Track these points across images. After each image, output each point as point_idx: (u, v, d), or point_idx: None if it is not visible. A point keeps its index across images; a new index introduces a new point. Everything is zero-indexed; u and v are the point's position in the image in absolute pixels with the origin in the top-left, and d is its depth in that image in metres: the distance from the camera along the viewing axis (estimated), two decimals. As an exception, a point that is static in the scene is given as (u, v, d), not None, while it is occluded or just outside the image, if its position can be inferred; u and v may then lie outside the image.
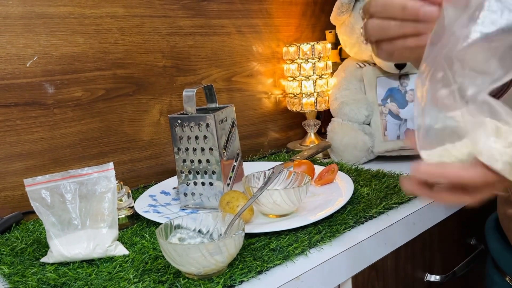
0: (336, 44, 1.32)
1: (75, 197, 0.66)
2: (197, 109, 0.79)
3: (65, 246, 0.64)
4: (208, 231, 0.63)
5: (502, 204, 0.72)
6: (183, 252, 0.54)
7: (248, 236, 0.67)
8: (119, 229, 0.75)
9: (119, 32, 0.96)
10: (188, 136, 0.78)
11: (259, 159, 1.14)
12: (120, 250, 0.66)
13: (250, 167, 0.94)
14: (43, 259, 0.65)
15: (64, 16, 0.88)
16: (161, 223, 0.61)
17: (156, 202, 0.83)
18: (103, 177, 0.67)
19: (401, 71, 1.09)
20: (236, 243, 0.56)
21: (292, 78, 1.23)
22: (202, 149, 0.78)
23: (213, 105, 0.86)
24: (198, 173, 0.79)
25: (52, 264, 0.64)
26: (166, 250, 0.55)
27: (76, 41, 0.90)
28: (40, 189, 0.65)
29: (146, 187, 0.95)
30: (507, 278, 0.71)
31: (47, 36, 0.87)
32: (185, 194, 0.80)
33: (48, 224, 0.65)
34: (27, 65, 0.85)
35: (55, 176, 0.66)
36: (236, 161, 0.84)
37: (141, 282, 0.57)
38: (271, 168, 0.87)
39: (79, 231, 0.66)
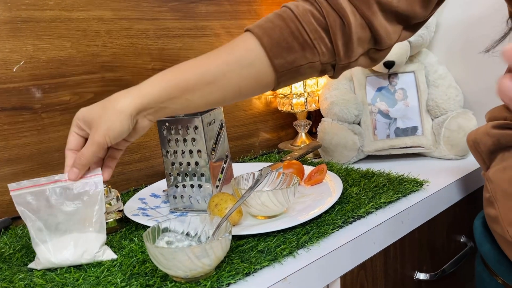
0: (325, 44, 1.32)
1: (61, 201, 0.65)
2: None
3: (52, 252, 0.63)
4: (196, 234, 0.63)
5: (485, 205, 0.72)
6: (170, 255, 0.54)
7: (237, 238, 0.67)
8: (108, 233, 0.75)
9: (107, 35, 0.96)
10: (176, 138, 0.78)
11: (250, 160, 1.14)
12: (108, 254, 0.66)
13: (241, 168, 0.94)
14: (30, 265, 0.65)
15: (50, 20, 0.88)
16: (150, 227, 0.61)
17: (146, 205, 0.83)
18: (91, 182, 0.67)
19: (390, 70, 1.09)
20: (223, 246, 0.56)
21: (282, 79, 1.23)
22: (191, 152, 0.78)
23: (202, 107, 0.86)
24: (187, 175, 0.79)
25: (40, 269, 0.64)
26: (153, 254, 0.56)
27: (63, 45, 0.90)
28: (25, 194, 0.64)
29: (136, 190, 0.95)
30: (496, 278, 0.72)
31: (34, 41, 0.86)
32: (175, 197, 0.80)
33: (34, 230, 0.64)
34: (14, 70, 0.85)
35: (41, 181, 0.65)
36: (225, 163, 0.84)
37: (128, 286, 0.56)
38: (261, 169, 0.87)
39: (66, 236, 0.65)
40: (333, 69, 0.69)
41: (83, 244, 0.64)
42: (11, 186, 0.64)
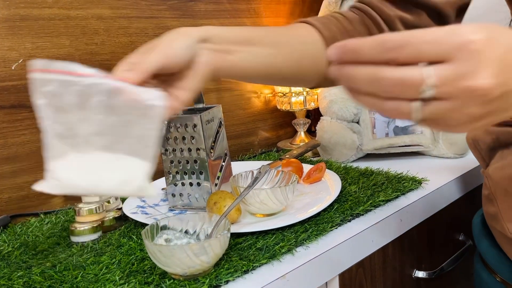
0: (324, 42, 1.33)
1: (102, 106, 0.44)
2: (184, 110, 0.79)
3: (75, 171, 0.45)
4: (195, 232, 0.63)
5: (484, 202, 0.72)
6: (169, 253, 0.54)
7: (235, 235, 0.67)
8: (106, 231, 0.75)
9: (106, 33, 0.96)
10: (175, 136, 0.78)
11: (249, 159, 1.14)
12: (151, 190, 0.48)
13: (240, 167, 0.94)
14: (37, 186, 0.46)
15: (49, 18, 0.88)
16: (148, 224, 0.61)
17: (145, 203, 0.83)
18: (150, 94, 0.45)
19: (388, 69, 1.09)
20: (221, 244, 0.57)
21: (281, 77, 1.23)
22: (190, 150, 0.78)
23: (200, 106, 0.86)
24: (185, 173, 0.79)
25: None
26: (151, 251, 0.56)
27: (61, 43, 0.90)
28: (53, 81, 0.43)
29: (135, 188, 0.95)
30: (495, 275, 0.72)
31: (32, 39, 0.86)
32: (173, 195, 0.80)
33: (51, 135, 0.44)
34: (13, 68, 0.85)
35: (79, 70, 0.43)
36: (224, 161, 0.84)
37: (127, 283, 0.57)
38: (260, 167, 0.87)
39: (99, 154, 0.45)
40: None
41: (123, 169, 0.46)
42: (35, 64, 0.43)
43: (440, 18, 0.67)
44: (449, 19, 0.67)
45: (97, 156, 0.45)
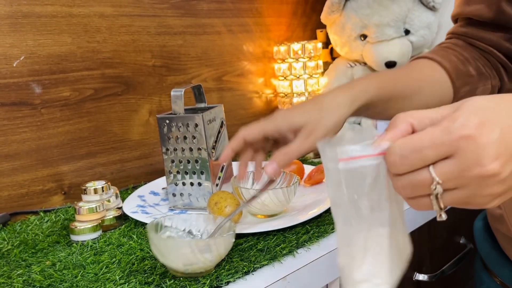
0: (327, 43, 1.32)
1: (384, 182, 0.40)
2: (185, 109, 0.79)
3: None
4: (199, 231, 0.63)
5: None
6: (174, 246, 0.54)
7: (236, 236, 0.66)
8: (106, 230, 0.75)
9: (108, 31, 0.96)
10: (177, 136, 0.78)
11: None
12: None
13: (240, 167, 0.94)
14: None
15: (51, 15, 0.88)
16: (151, 221, 0.61)
17: (145, 203, 0.83)
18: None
19: (391, 71, 1.09)
20: (226, 244, 0.56)
21: (283, 78, 1.23)
22: (191, 149, 0.78)
23: (202, 105, 0.86)
24: (186, 173, 0.79)
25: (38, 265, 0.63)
26: (156, 244, 0.55)
27: (63, 41, 0.90)
28: (357, 167, 0.39)
29: (135, 187, 0.95)
30: (496, 279, 0.71)
31: (34, 36, 0.86)
32: (174, 195, 0.80)
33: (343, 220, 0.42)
34: (14, 65, 0.84)
35: (373, 149, 0.39)
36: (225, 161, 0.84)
37: (127, 283, 0.56)
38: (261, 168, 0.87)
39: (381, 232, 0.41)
40: (497, 92, 0.73)
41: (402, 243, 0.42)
42: (341, 153, 0.39)
43: None
44: None
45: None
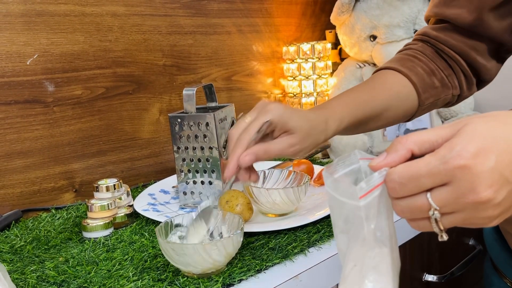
0: (336, 44, 1.33)
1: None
2: (197, 108, 0.79)
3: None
4: (208, 230, 0.63)
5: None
6: (181, 251, 0.54)
7: (247, 235, 0.67)
8: (118, 228, 0.75)
9: (120, 30, 0.96)
10: (188, 135, 0.78)
11: (258, 158, 1.14)
12: None
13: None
14: None
15: (64, 14, 0.88)
16: (160, 222, 0.61)
17: (156, 201, 0.84)
18: None
19: (400, 72, 1.09)
20: (234, 243, 0.57)
21: (292, 78, 1.23)
22: (202, 148, 0.78)
23: (213, 104, 0.86)
24: (197, 172, 0.79)
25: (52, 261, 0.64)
26: (164, 249, 0.56)
27: (76, 39, 0.90)
28: (374, 198, 0.40)
29: (145, 186, 0.95)
30: (505, 280, 0.71)
31: (48, 34, 0.87)
32: (185, 193, 0.81)
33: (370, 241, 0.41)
34: (27, 63, 0.85)
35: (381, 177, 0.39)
36: (235, 160, 0.84)
37: (140, 280, 0.57)
38: (272, 167, 0.87)
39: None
40: (455, 101, 0.76)
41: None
42: (360, 190, 0.39)
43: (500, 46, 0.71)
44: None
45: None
